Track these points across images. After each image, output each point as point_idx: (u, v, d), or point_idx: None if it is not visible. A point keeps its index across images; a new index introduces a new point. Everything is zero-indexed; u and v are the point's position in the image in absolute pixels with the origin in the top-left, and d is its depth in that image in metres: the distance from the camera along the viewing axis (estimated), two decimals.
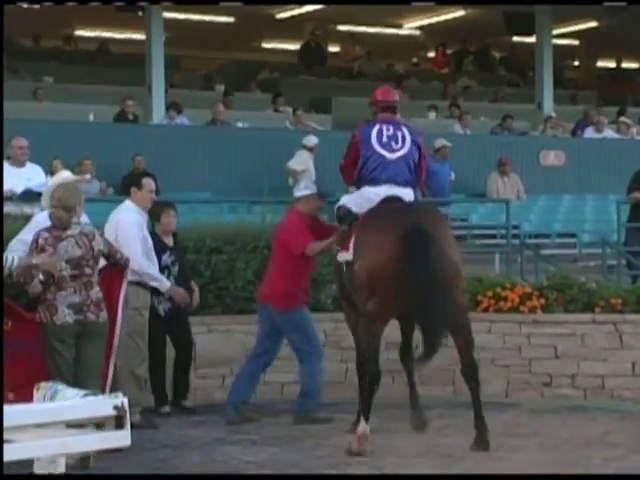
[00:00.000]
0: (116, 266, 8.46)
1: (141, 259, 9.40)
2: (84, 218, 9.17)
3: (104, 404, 6.65)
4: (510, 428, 9.46)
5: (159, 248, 9.83)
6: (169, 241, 10.12)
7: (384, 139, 9.09)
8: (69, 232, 8.25)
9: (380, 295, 8.54)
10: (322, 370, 9.90)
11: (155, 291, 9.69)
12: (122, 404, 6.63)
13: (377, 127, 9.15)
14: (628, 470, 7.89)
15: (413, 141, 9.18)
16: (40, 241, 8.16)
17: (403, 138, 9.13)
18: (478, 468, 7.94)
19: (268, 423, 9.74)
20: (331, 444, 8.85)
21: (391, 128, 9.15)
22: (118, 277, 8.51)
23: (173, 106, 17.73)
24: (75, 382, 7.84)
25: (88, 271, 8.22)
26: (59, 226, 8.25)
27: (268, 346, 9.93)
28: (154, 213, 9.97)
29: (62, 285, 8.17)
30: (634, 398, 10.47)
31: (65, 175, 9.06)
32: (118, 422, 6.62)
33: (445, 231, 8.86)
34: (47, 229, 8.25)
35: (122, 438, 6.51)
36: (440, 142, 17.27)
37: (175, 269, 10.05)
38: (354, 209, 9.17)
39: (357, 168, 9.19)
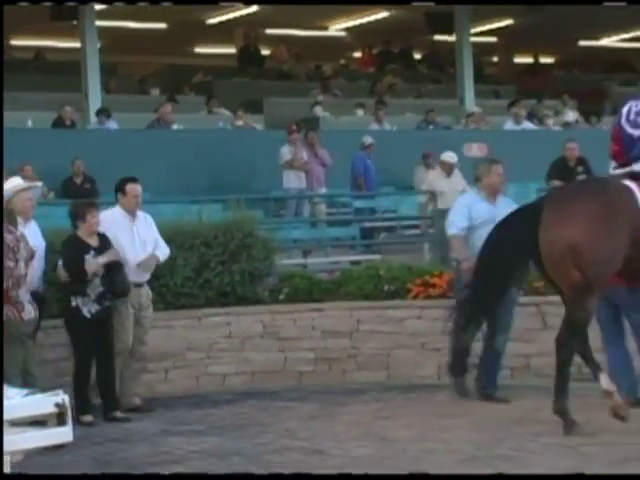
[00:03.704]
0: None
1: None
2: (32, 223, 9.22)
3: (45, 402, 6.59)
4: (443, 408, 9.52)
5: (81, 249, 9.41)
6: (93, 241, 9.53)
7: (631, 116, 8.55)
8: (18, 234, 8.50)
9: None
10: None
11: (80, 292, 9.37)
12: (63, 401, 6.57)
13: (629, 104, 8.61)
14: (556, 444, 7.95)
15: None
16: (9, 243, 8.36)
17: None
18: (412, 448, 7.96)
19: (211, 413, 9.70)
20: (273, 431, 8.84)
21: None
22: None
23: (103, 111, 17.63)
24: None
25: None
26: (12, 230, 8.44)
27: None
28: (79, 214, 9.56)
29: (21, 283, 8.46)
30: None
31: (16, 182, 9.05)
32: (60, 419, 6.57)
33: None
34: (7, 231, 8.41)
35: (64, 434, 6.43)
36: (368, 139, 17.33)
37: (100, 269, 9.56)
38: None
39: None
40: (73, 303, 9.34)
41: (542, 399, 9.82)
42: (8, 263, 8.39)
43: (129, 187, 9.88)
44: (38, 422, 6.83)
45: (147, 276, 9.99)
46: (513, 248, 8.37)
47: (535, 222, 8.20)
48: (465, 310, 8.66)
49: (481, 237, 9.47)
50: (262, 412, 9.67)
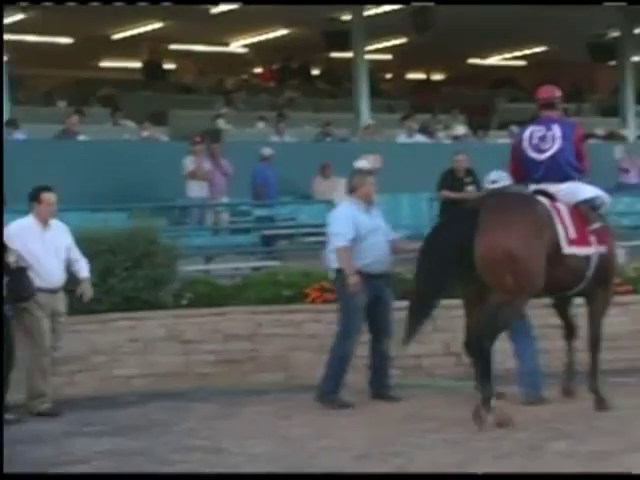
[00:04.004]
0: None
1: None
2: None
3: None
4: (335, 406, 9.49)
5: None
6: None
7: (534, 141, 8.91)
8: None
9: None
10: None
11: None
12: None
13: (530, 129, 8.97)
14: (445, 440, 8.01)
15: (564, 136, 8.88)
16: None
17: (553, 137, 8.86)
18: (309, 446, 7.96)
19: (116, 415, 9.58)
20: (176, 431, 8.78)
21: (543, 129, 8.92)
22: None
23: (11, 122, 17.32)
24: None
25: None
26: None
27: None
28: None
29: None
30: (447, 375, 10.64)
31: None
32: None
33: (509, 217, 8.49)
34: None
35: None
36: (267, 150, 17.32)
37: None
38: None
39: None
40: None
41: (432, 397, 9.96)
42: None
43: (44, 196, 9.80)
44: None
45: (62, 282, 9.84)
46: (451, 248, 8.43)
47: (471, 225, 8.33)
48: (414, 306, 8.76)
49: (372, 246, 9.55)
50: (165, 413, 9.59)
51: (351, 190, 9.87)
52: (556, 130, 8.90)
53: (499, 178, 9.57)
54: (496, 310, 8.46)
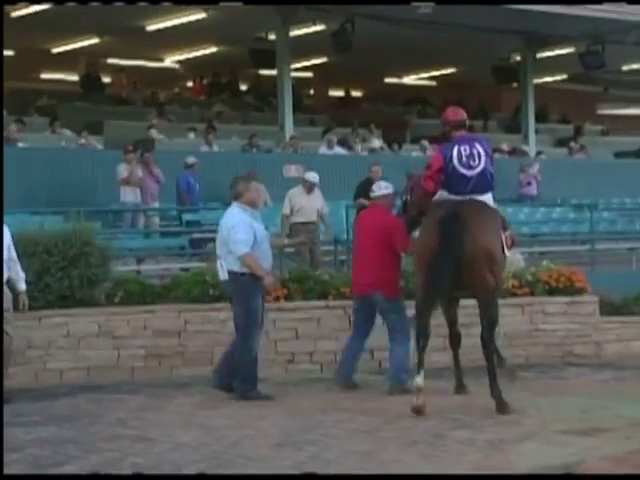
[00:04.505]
0: None
1: None
2: None
3: None
4: (255, 401, 9.47)
5: None
6: None
7: (463, 159, 9.00)
8: None
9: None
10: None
11: None
12: None
13: (456, 148, 9.02)
14: (357, 430, 8.06)
15: (486, 153, 9.09)
16: None
17: (479, 154, 9.03)
18: (230, 435, 7.94)
19: (49, 406, 9.46)
20: (105, 421, 8.68)
21: (467, 147, 9.04)
22: None
23: None
24: None
25: None
26: None
27: (366, 330, 9.95)
28: None
29: None
30: (360, 369, 10.65)
31: None
32: None
33: (482, 219, 8.83)
34: None
35: None
36: (191, 159, 17.30)
37: None
38: None
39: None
40: None
41: (345, 391, 9.97)
42: None
43: None
44: None
45: (4, 278, 9.68)
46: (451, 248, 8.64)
47: (461, 228, 8.62)
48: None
49: (265, 251, 9.53)
50: (96, 404, 9.50)
51: (236, 196, 9.57)
52: (479, 148, 9.07)
53: (377, 188, 10.09)
54: (486, 312, 8.82)
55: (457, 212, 8.72)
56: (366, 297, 9.84)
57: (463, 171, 8.98)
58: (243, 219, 9.40)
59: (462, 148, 9.02)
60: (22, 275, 9.88)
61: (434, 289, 8.77)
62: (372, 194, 10.22)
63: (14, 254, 9.83)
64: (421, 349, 8.76)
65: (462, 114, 9.34)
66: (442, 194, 9.14)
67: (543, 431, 7.87)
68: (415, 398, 8.54)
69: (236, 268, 9.39)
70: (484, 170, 9.01)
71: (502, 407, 8.63)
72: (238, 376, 9.48)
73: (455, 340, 9.63)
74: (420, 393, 8.55)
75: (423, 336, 8.80)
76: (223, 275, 9.56)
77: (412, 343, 9.28)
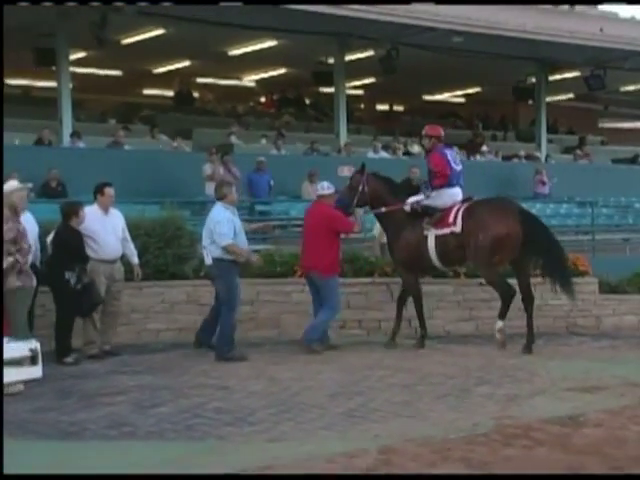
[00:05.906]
0: None
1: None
2: (27, 214, 8.98)
3: (22, 347, 6.42)
4: (317, 357, 9.50)
5: (78, 235, 9.32)
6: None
7: (455, 160, 10.24)
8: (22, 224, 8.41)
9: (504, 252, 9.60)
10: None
11: (70, 268, 9.10)
12: (35, 347, 6.41)
13: (449, 152, 10.26)
14: (396, 384, 8.02)
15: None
16: (21, 230, 8.27)
17: (458, 158, 10.40)
18: (293, 386, 7.95)
19: (147, 359, 9.55)
20: (192, 372, 8.74)
21: (452, 152, 10.38)
22: None
23: (75, 134, 17.25)
24: None
25: None
26: (19, 220, 8.37)
27: (320, 300, 9.99)
28: (71, 211, 9.38)
29: (29, 260, 8.38)
30: (400, 335, 10.62)
31: (13, 183, 8.89)
32: (32, 360, 6.42)
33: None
34: (17, 221, 8.30)
35: (35, 372, 6.32)
36: (259, 158, 17.33)
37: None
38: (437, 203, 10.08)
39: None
40: (66, 276, 9.05)
41: (387, 352, 9.95)
42: (23, 245, 8.17)
43: (106, 190, 9.77)
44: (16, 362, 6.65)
45: (118, 254, 9.75)
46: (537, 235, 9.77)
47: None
48: None
49: (242, 240, 9.56)
50: (185, 358, 9.56)
51: (220, 197, 9.59)
52: (454, 153, 10.47)
53: (320, 188, 10.25)
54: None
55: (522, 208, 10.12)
56: (308, 275, 9.98)
57: (455, 167, 10.13)
58: (226, 216, 9.42)
59: (449, 153, 10.25)
60: (134, 251, 9.97)
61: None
62: (317, 193, 10.34)
63: (127, 235, 9.93)
64: (508, 306, 9.63)
65: (441, 131, 10.43)
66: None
67: (551, 388, 7.79)
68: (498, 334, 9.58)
69: (218, 255, 9.39)
70: (462, 168, 10.24)
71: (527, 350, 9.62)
72: (219, 339, 9.42)
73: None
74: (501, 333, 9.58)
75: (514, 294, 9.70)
76: (208, 260, 9.59)
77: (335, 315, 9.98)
